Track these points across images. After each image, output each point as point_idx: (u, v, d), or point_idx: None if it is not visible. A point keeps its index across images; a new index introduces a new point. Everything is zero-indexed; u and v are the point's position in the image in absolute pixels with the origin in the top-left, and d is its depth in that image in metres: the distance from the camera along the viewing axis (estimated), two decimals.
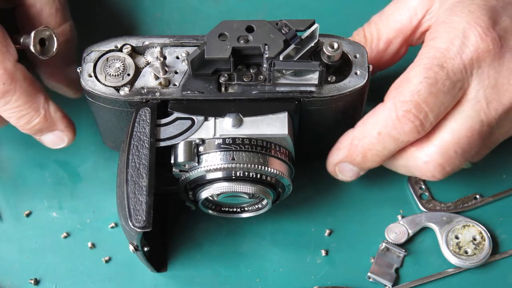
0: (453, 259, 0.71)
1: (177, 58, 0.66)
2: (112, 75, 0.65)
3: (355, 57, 0.66)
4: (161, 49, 0.64)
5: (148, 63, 0.65)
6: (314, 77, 0.64)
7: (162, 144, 0.63)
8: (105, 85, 0.65)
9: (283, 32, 0.62)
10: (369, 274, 0.71)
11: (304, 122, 0.67)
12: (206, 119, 0.64)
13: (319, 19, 0.64)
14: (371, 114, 0.66)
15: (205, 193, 0.66)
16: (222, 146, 0.63)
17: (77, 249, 0.73)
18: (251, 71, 0.65)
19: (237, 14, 0.82)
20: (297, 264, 0.72)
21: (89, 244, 0.73)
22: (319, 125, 0.68)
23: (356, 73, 0.65)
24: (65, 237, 0.73)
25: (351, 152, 0.68)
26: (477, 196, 0.74)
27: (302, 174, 0.72)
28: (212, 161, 0.63)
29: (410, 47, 0.71)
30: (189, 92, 0.64)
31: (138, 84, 0.65)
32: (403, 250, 0.72)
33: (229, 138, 0.64)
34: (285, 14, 0.81)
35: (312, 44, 0.63)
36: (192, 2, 0.83)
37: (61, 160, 0.76)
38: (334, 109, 0.66)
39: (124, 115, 0.66)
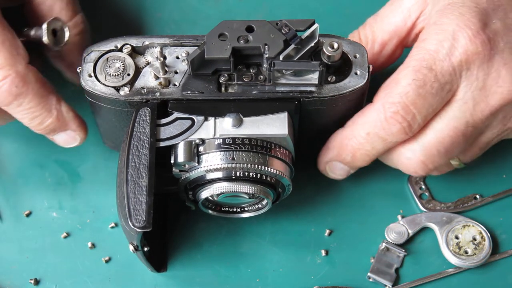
0: (453, 259, 0.71)
1: (177, 58, 0.66)
2: (112, 75, 0.65)
3: (355, 57, 0.66)
4: (161, 49, 0.64)
5: (148, 63, 0.65)
6: (314, 77, 0.64)
7: (162, 144, 0.63)
8: (105, 85, 0.65)
9: (283, 32, 0.62)
10: (369, 274, 0.71)
11: (304, 122, 0.67)
12: (206, 119, 0.64)
13: (319, 19, 0.64)
14: (360, 114, 0.67)
15: (205, 193, 0.66)
16: (222, 146, 0.63)
17: (77, 249, 0.73)
18: (251, 71, 0.65)
19: (237, 14, 0.82)
20: (297, 264, 0.72)
21: (89, 244, 0.73)
22: (319, 125, 0.68)
23: (356, 73, 0.65)
24: (65, 237, 0.73)
25: (341, 151, 0.69)
26: (477, 196, 0.74)
27: (302, 174, 0.72)
28: (212, 161, 0.63)
29: (406, 49, 0.71)
30: (189, 92, 0.64)
31: (138, 84, 0.65)
32: (403, 250, 0.72)
33: (229, 138, 0.64)
34: (285, 14, 0.81)
35: (312, 44, 0.63)
36: (192, 2, 0.83)
37: (61, 160, 0.76)
38: (334, 109, 0.66)
39: (124, 115, 0.66)
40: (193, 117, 0.64)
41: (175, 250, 0.73)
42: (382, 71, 0.72)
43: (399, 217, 0.74)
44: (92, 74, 0.65)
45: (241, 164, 0.63)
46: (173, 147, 0.64)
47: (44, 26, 0.67)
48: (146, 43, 0.66)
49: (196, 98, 0.64)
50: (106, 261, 0.72)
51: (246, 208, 0.70)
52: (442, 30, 0.64)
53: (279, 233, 0.74)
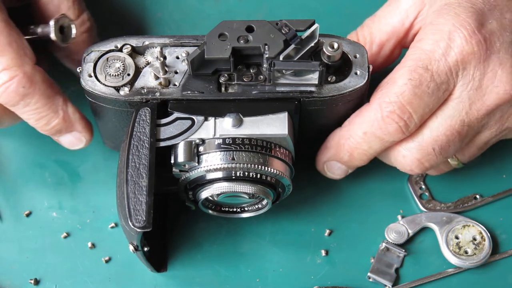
0: (453, 259, 0.71)
1: (177, 58, 0.66)
2: (112, 75, 0.65)
3: (355, 57, 0.66)
4: (161, 49, 0.64)
5: (148, 63, 0.65)
6: (314, 77, 0.64)
7: (162, 144, 0.63)
8: (105, 85, 0.65)
9: (283, 32, 0.62)
10: (369, 274, 0.71)
11: (304, 122, 0.67)
12: (206, 119, 0.64)
13: (319, 19, 0.64)
14: (357, 114, 0.67)
15: (205, 193, 0.66)
16: (222, 146, 0.63)
17: (77, 249, 0.73)
18: (251, 71, 0.65)
19: (237, 14, 0.82)
20: (297, 264, 0.72)
21: (89, 244, 0.73)
22: (319, 125, 0.68)
23: (356, 73, 0.65)
24: (65, 237, 0.73)
25: (338, 151, 0.69)
26: (477, 196, 0.74)
27: (302, 174, 0.72)
28: (212, 161, 0.63)
29: (404, 49, 0.71)
30: (189, 92, 0.64)
31: (138, 84, 0.65)
32: (403, 250, 0.72)
33: (229, 138, 0.64)
34: (285, 14, 0.81)
35: (312, 44, 0.63)
36: (192, 2, 0.83)
37: (61, 160, 0.76)
38: (334, 109, 0.66)
39: (124, 115, 0.66)
40: (193, 117, 0.64)
41: (175, 250, 0.73)
42: (381, 71, 0.72)
43: (399, 217, 0.74)
44: (92, 74, 0.65)
45: (241, 164, 0.63)
46: (173, 147, 0.64)
47: (52, 22, 0.68)
48: (146, 43, 0.66)
49: (196, 98, 0.64)
50: (106, 261, 0.72)
51: (246, 208, 0.70)
52: (438, 30, 0.64)
53: (279, 233, 0.74)
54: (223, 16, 0.81)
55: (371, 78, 0.66)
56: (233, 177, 0.64)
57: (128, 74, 0.65)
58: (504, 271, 0.72)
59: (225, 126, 0.64)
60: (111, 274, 0.72)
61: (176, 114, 0.64)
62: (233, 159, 0.63)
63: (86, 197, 0.75)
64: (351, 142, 0.68)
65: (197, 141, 0.64)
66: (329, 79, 0.65)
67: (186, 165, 0.64)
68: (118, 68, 0.65)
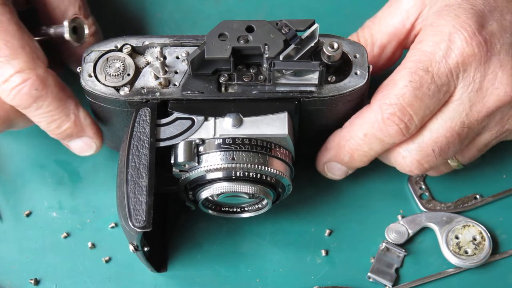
0: (453, 259, 0.71)
1: (177, 58, 0.65)
2: (112, 75, 0.65)
3: (355, 57, 0.66)
4: (161, 49, 0.64)
5: (148, 63, 0.65)
6: (314, 77, 0.64)
7: (162, 144, 0.63)
8: (105, 85, 0.65)
9: (283, 32, 0.62)
10: (369, 274, 0.71)
11: (304, 122, 0.67)
12: (206, 119, 0.64)
13: (319, 19, 0.64)
14: (358, 115, 0.67)
15: (205, 193, 0.66)
16: (222, 146, 0.63)
17: (77, 249, 0.73)
18: (251, 71, 0.65)
19: (237, 14, 0.82)
20: (297, 264, 0.72)
21: (89, 244, 0.73)
22: (319, 125, 0.68)
23: (356, 73, 0.65)
24: (65, 237, 0.73)
25: (339, 152, 0.69)
26: (477, 196, 0.74)
27: (302, 174, 0.72)
28: (212, 161, 0.63)
29: (405, 50, 0.71)
30: (189, 92, 0.64)
31: (138, 84, 0.65)
32: (403, 250, 0.72)
33: (229, 138, 0.64)
34: (285, 14, 0.81)
35: (312, 44, 0.63)
36: (192, 2, 0.83)
37: (61, 160, 0.76)
38: (334, 109, 0.66)
39: (124, 115, 0.66)
40: (193, 117, 0.64)
41: (175, 250, 0.73)
42: (381, 72, 0.72)
43: (399, 217, 0.74)
44: (92, 74, 0.65)
45: (241, 164, 0.63)
46: (173, 147, 0.64)
47: (66, 23, 0.69)
48: (146, 43, 0.66)
49: (196, 98, 0.64)
50: (106, 261, 0.72)
51: (246, 208, 0.70)
52: (438, 31, 0.64)
53: (279, 233, 0.74)
54: (223, 16, 0.81)
55: (372, 79, 0.66)
56: (233, 177, 0.64)
57: (128, 74, 0.65)
58: (504, 271, 0.72)
59: (225, 126, 0.64)
60: (111, 274, 0.72)
61: (176, 114, 0.64)
62: (233, 159, 0.63)
63: (86, 197, 0.75)
64: (351, 144, 0.68)
65: (197, 141, 0.64)
66: (329, 79, 0.65)
67: (186, 165, 0.64)
68: (118, 68, 0.65)
